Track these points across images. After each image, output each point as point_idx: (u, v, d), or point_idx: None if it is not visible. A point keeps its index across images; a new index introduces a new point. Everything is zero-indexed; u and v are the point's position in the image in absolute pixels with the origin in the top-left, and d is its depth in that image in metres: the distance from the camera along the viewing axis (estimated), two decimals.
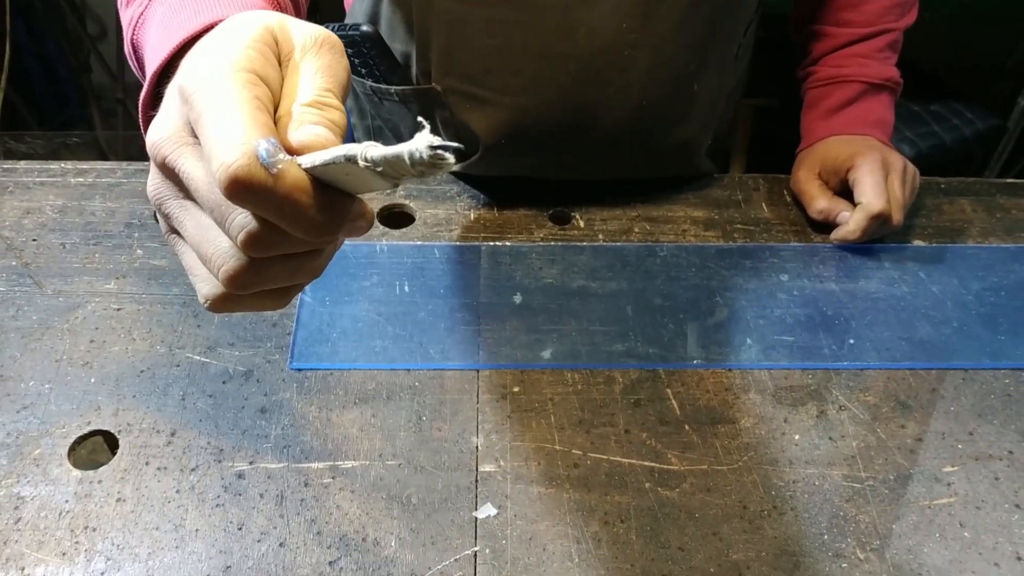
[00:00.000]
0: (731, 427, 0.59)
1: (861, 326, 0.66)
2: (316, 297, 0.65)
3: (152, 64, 0.41)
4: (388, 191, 0.34)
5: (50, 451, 0.55)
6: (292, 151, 0.31)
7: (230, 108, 0.31)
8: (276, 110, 0.33)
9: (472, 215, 0.73)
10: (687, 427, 0.59)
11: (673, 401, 0.60)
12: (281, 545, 0.51)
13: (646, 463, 0.57)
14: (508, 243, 0.71)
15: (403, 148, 0.29)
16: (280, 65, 0.35)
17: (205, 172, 0.33)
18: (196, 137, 0.33)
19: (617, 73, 0.68)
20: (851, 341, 0.65)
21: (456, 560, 0.51)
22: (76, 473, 0.54)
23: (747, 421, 0.59)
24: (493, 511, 0.54)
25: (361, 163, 0.30)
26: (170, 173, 0.34)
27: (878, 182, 0.71)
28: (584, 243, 0.71)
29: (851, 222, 0.71)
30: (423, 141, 0.29)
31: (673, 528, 0.54)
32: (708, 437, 0.58)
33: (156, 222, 0.71)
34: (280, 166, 0.30)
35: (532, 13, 0.65)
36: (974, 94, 1.67)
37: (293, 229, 0.31)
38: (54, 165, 0.75)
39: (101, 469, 0.54)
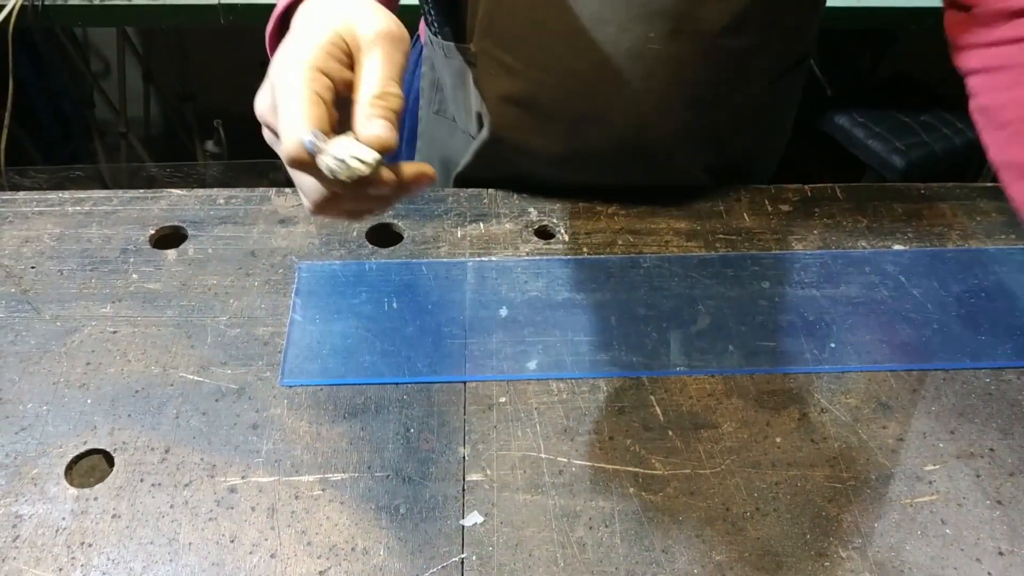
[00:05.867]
0: (714, 431, 0.60)
1: (842, 330, 0.67)
2: (306, 316, 0.67)
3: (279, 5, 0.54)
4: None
5: (47, 470, 0.56)
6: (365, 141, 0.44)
7: (293, 101, 0.43)
8: (354, 93, 0.45)
9: (459, 232, 0.75)
10: (671, 432, 0.60)
11: (657, 408, 0.61)
12: (272, 556, 0.52)
13: (630, 468, 0.58)
14: (494, 258, 0.72)
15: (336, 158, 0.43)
16: (352, 56, 0.46)
17: None
18: None
19: (636, 78, 0.70)
20: (832, 345, 0.66)
21: (444, 567, 0.52)
22: (73, 491, 0.55)
23: (730, 425, 0.60)
24: (480, 519, 0.55)
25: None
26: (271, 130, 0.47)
27: None
28: (568, 257, 0.73)
29: None
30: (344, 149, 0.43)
31: (657, 531, 0.54)
32: (691, 442, 0.59)
33: (151, 247, 0.73)
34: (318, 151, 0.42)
35: None
36: (964, 104, 1.68)
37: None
38: (52, 195, 0.77)
39: (97, 487, 0.56)
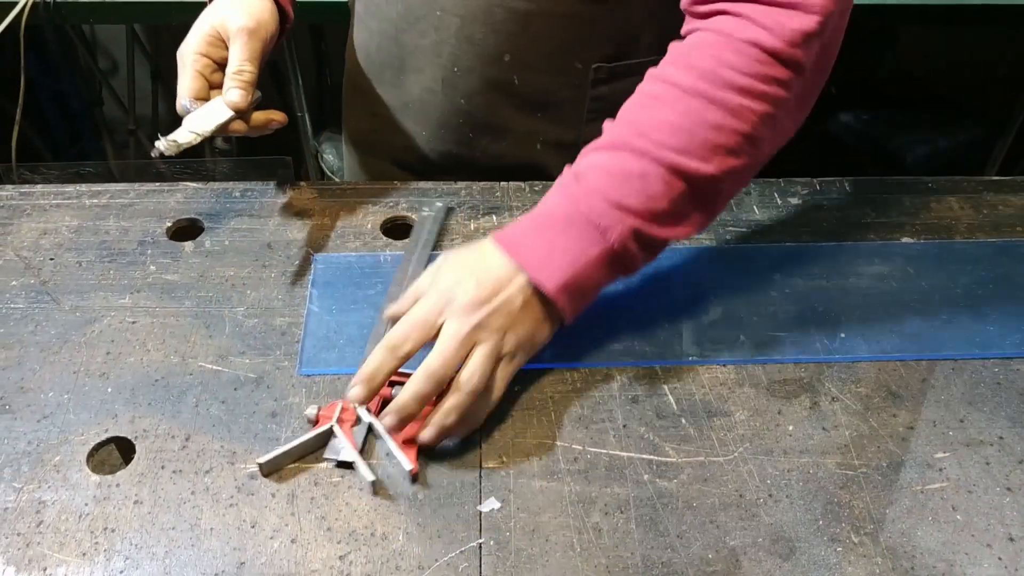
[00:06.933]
0: (726, 420, 0.61)
1: (852, 321, 0.68)
2: (323, 306, 0.68)
3: None
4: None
5: (69, 458, 0.57)
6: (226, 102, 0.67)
7: (180, 78, 0.68)
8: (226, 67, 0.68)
9: (472, 224, 0.76)
10: (684, 421, 0.61)
11: (670, 396, 0.62)
12: (293, 541, 0.53)
13: (644, 456, 0.58)
14: None
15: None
16: (226, 43, 0.68)
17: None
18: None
19: (431, 30, 0.74)
20: (842, 335, 0.67)
21: (462, 552, 0.53)
22: (95, 478, 0.56)
23: (742, 414, 0.61)
24: (497, 505, 0.56)
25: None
26: None
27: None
28: None
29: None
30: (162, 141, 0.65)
31: (672, 517, 0.55)
32: (704, 430, 0.60)
33: (168, 239, 0.74)
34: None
35: None
36: (968, 100, 1.69)
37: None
38: (69, 188, 0.78)
39: (118, 473, 0.57)
